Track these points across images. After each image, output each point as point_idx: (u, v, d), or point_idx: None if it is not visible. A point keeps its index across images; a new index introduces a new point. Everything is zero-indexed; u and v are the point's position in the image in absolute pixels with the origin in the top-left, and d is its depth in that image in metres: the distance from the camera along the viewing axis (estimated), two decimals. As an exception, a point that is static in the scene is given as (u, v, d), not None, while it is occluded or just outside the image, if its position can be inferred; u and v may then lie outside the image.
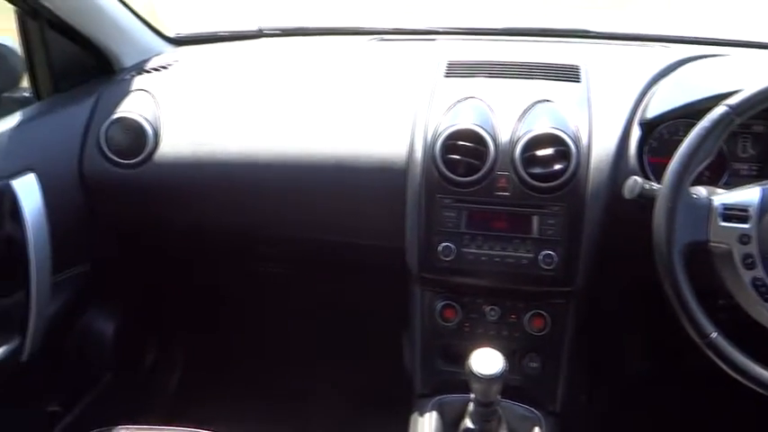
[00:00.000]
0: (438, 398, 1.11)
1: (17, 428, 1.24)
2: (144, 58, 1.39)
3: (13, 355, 1.11)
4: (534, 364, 1.14)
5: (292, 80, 1.31)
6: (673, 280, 0.86)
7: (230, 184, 1.22)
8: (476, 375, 0.92)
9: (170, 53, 1.43)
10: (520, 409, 1.09)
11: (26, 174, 1.12)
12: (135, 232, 1.35)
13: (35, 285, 1.11)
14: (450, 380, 1.13)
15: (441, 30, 1.53)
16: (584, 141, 1.07)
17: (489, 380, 0.92)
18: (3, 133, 1.14)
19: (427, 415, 1.08)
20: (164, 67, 1.35)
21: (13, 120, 1.17)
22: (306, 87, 1.28)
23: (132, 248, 1.39)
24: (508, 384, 1.03)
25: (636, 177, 0.96)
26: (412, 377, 1.19)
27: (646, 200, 0.93)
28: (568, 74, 1.18)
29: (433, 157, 1.09)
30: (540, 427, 1.06)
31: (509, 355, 1.08)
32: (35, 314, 1.13)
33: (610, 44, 1.41)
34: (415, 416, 1.10)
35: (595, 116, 1.10)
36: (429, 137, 1.11)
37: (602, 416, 1.41)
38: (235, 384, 1.49)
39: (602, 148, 1.07)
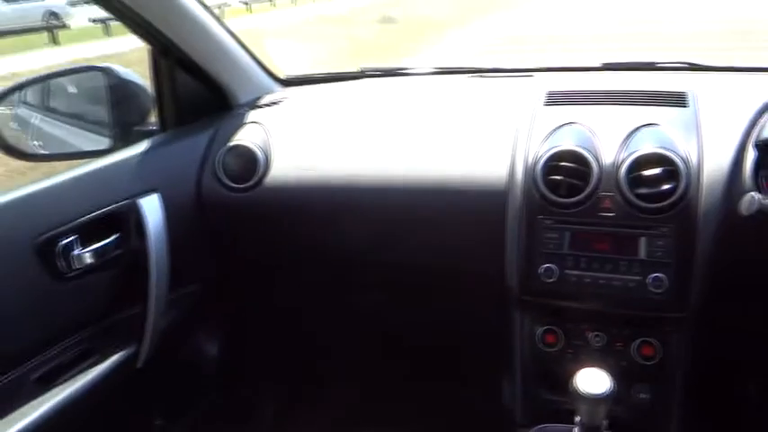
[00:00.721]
0: (539, 427, 1.07)
1: None
2: (257, 95, 1.49)
3: (129, 360, 1.18)
4: (644, 395, 1.08)
5: (394, 110, 1.36)
6: None
7: (335, 207, 1.27)
8: (582, 395, 0.89)
9: (280, 92, 1.53)
10: None
11: (151, 194, 1.22)
12: (245, 255, 1.42)
13: (153, 297, 1.19)
14: (552, 409, 1.09)
15: (538, 68, 1.56)
16: (694, 162, 1.04)
17: (596, 400, 0.88)
18: (132, 158, 1.26)
19: None
20: (275, 103, 1.45)
21: (142, 147, 1.29)
22: (407, 116, 1.33)
23: (241, 272, 1.46)
24: (615, 415, 0.98)
25: (753, 193, 0.93)
26: (511, 406, 1.16)
27: (765, 216, 0.89)
28: (675, 99, 1.16)
29: (534, 178, 1.09)
30: None
31: (616, 385, 1.03)
32: (151, 326, 1.20)
33: (716, 74, 1.38)
34: None
35: (705, 138, 1.08)
36: (530, 159, 1.11)
37: None
38: (329, 409, 1.50)
39: (714, 168, 1.04)
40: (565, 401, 0.96)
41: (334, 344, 1.57)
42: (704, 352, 1.13)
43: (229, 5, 14.87)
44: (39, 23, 14.71)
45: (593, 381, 0.89)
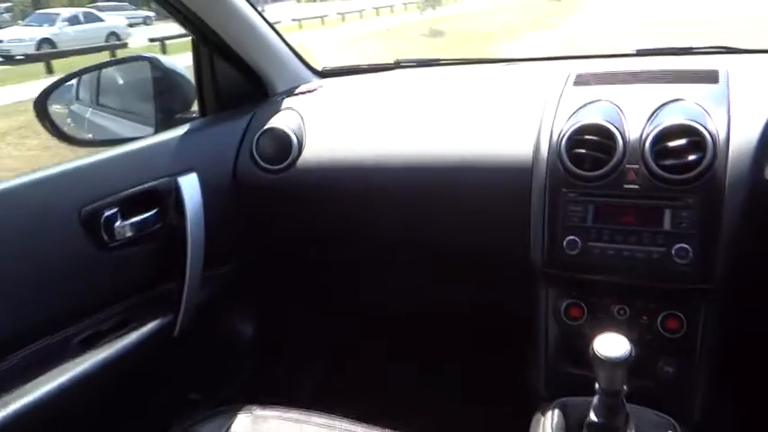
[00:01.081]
0: (561, 399, 1.07)
1: (162, 411, 1.35)
2: (294, 85, 1.55)
3: (165, 329, 1.23)
4: (669, 368, 1.06)
5: (426, 96, 1.39)
6: None
7: (365, 187, 1.30)
8: (600, 359, 0.88)
9: (317, 81, 1.58)
10: (652, 414, 1.02)
11: (190, 173, 1.28)
12: (278, 236, 1.46)
13: (189, 271, 1.24)
14: (576, 383, 1.09)
15: (569, 56, 1.56)
16: (723, 133, 1.03)
17: (614, 364, 0.88)
18: (173, 139, 1.32)
19: (549, 414, 1.04)
20: (310, 91, 1.50)
21: (182, 129, 1.35)
22: (439, 101, 1.36)
23: (275, 253, 1.50)
24: (639, 387, 0.98)
25: None
26: (535, 380, 1.16)
27: None
28: (706, 77, 1.15)
29: (559, 152, 1.10)
30: None
31: (640, 358, 1.02)
32: (186, 299, 1.25)
33: (752, 56, 1.36)
34: (537, 416, 1.07)
35: (735, 111, 1.06)
36: (555, 135, 1.12)
37: (751, 428, 1.27)
38: (362, 385, 1.52)
39: (742, 140, 1.03)
40: (588, 375, 0.95)
41: (366, 323, 1.59)
42: (733, 327, 1.11)
43: (279, 22, 15.27)
44: (101, 43, 15.44)
45: (611, 345, 0.89)
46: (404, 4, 23.12)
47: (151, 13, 21.45)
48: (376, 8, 23.32)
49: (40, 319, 1.07)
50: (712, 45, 1.41)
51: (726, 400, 1.19)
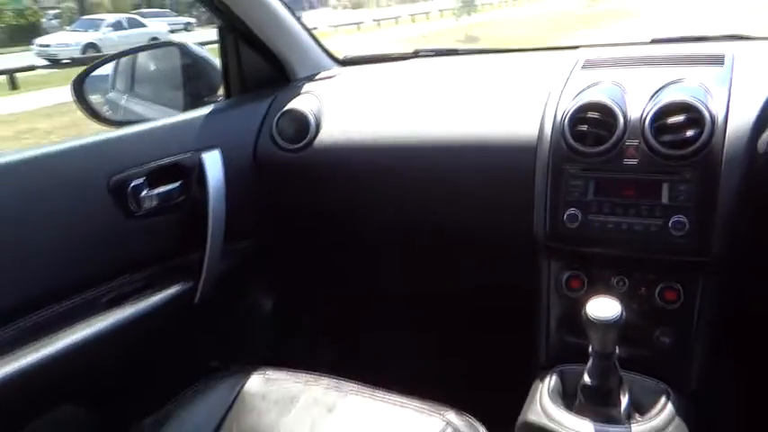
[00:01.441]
0: (559, 366, 1.10)
1: (182, 372, 1.42)
2: (315, 71, 1.61)
3: (187, 294, 1.31)
4: (666, 339, 1.09)
5: (441, 82, 1.44)
6: None
7: (378, 167, 1.35)
8: (592, 321, 0.92)
9: (337, 69, 1.65)
10: (647, 381, 1.04)
11: (213, 150, 1.35)
12: (295, 213, 1.53)
13: (210, 242, 1.31)
14: (574, 352, 1.12)
15: (583, 45, 1.59)
16: (722, 111, 1.06)
17: (606, 325, 0.91)
18: (198, 117, 1.40)
19: (547, 380, 1.08)
20: (330, 78, 1.57)
21: (208, 109, 1.43)
22: (452, 87, 1.41)
23: (292, 230, 1.57)
24: (636, 355, 1.00)
25: None
26: (536, 350, 1.19)
27: None
28: (712, 60, 1.18)
29: (562, 129, 1.13)
30: (669, 402, 1.01)
31: (638, 328, 1.05)
32: (206, 269, 1.32)
33: (764, 42, 1.38)
34: (536, 382, 1.10)
35: (736, 90, 1.09)
36: (559, 114, 1.16)
37: (747, 398, 1.28)
38: (372, 359, 1.57)
39: (741, 118, 1.05)
40: (587, 343, 0.99)
41: (376, 301, 1.64)
42: (732, 300, 1.13)
43: (316, 28, 15.48)
44: (143, 48, 15.87)
45: (602, 307, 0.92)
46: (440, 11, 23.18)
47: (192, 20, 21.98)
48: (412, 15, 23.45)
49: (68, 280, 1.15)
50: (726, 33, 1.43)
51: (723, 370, 1.20)
